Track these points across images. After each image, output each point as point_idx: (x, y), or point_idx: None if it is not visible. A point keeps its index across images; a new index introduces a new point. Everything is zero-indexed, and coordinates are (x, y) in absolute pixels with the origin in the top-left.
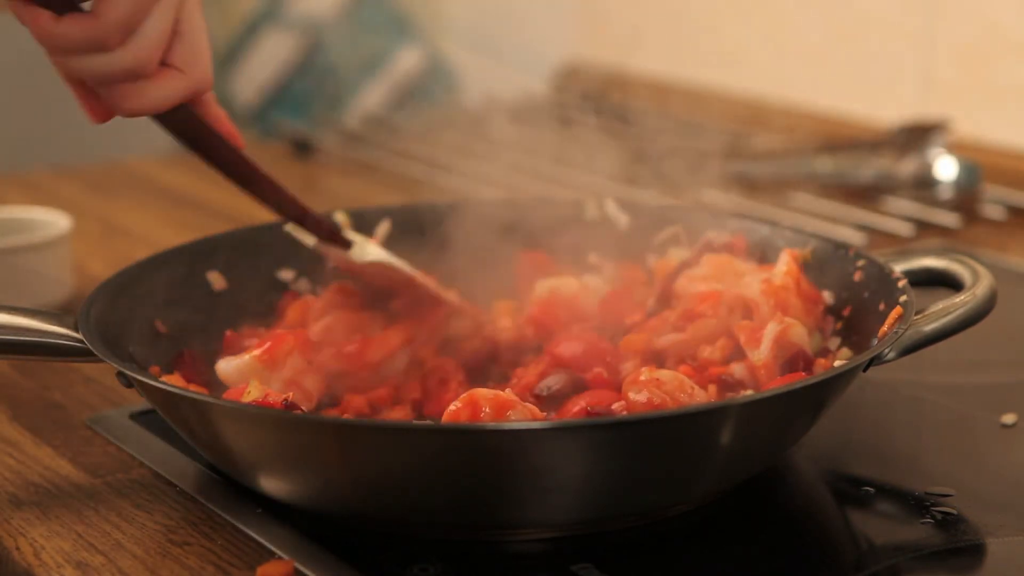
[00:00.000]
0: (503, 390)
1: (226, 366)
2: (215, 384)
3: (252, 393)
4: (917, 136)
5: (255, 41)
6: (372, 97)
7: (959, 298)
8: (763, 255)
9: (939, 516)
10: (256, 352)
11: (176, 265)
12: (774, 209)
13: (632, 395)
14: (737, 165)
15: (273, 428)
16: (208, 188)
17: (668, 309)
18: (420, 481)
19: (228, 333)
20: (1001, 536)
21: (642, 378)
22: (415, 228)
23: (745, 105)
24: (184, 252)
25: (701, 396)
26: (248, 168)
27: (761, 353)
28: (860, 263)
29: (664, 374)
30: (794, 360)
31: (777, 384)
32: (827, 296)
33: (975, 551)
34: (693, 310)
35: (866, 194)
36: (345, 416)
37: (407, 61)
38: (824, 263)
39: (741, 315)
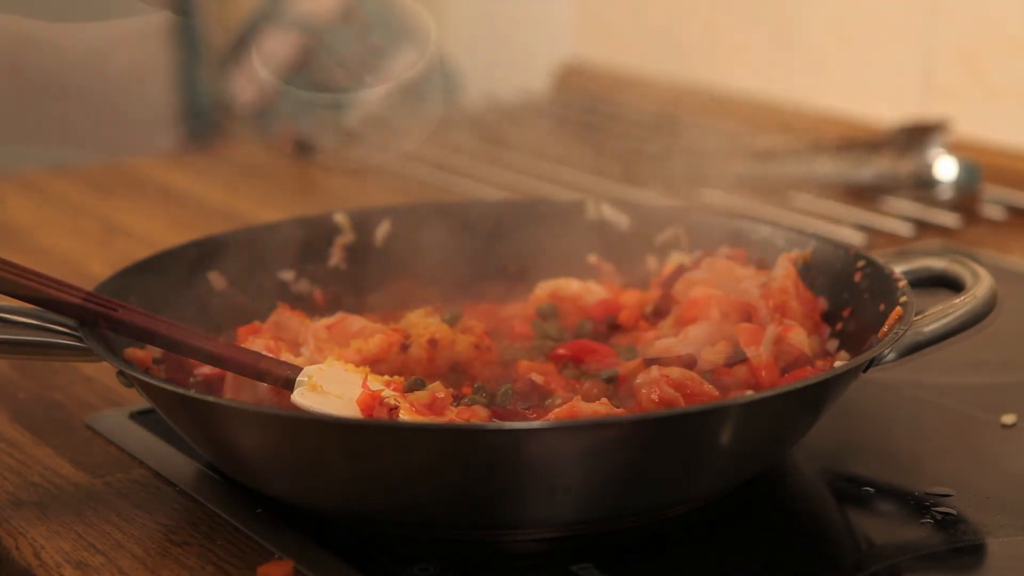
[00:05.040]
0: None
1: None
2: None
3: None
4: (917, 136)
5: (255, 41)
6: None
7: (959, 299)
8: (763, 256)
9: (939, 516)
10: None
11: (176, 265)
12: (774, 209)
13: (643, 391)
14: (737, 165)
15: (274, 428)
16: (208, 188)
17: (667, 314)
18: (420, 481)
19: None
20: (1001, 536)
21: (652, 375)
22: (415, 228)
23: (745, 105)
24: (184, 252)
25: (712, 391)
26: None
27: (762, 354)
28: (860, 264)
29: (673, 371)
30: (795, 362)
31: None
32: (823, 302)
33: (975, 551)
34: (690, 314)
35: (866, 194)
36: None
37: (407, 61)
38: (824, 264)
39: (738, 319)
